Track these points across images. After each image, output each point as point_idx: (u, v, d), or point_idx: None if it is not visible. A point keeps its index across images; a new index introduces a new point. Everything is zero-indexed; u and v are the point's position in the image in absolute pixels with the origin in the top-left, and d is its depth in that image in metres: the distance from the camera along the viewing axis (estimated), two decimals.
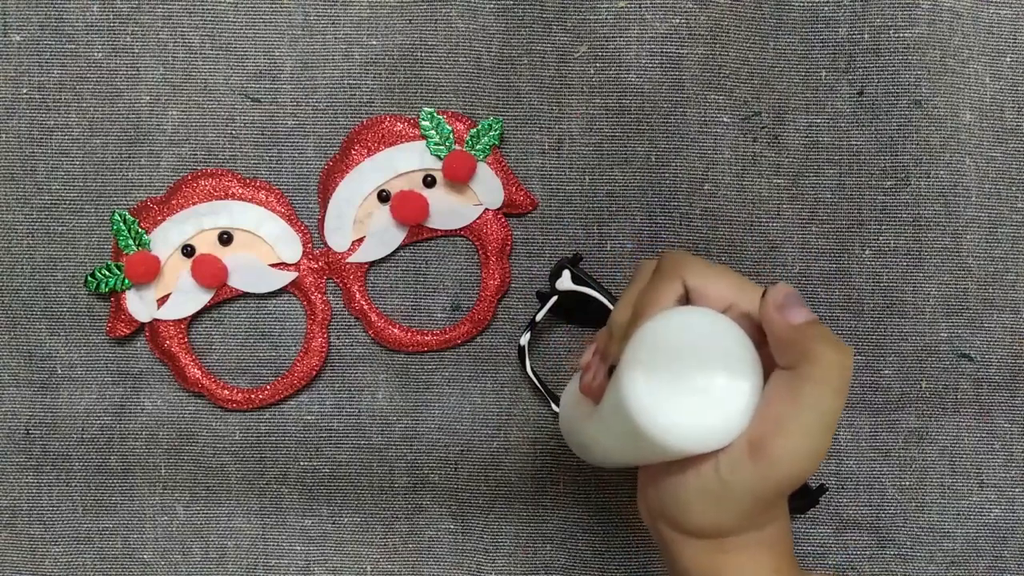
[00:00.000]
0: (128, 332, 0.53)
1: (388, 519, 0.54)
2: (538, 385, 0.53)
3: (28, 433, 0.54)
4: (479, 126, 0.53)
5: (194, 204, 0.53)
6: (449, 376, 0.54)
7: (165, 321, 0.53)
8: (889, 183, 0.53)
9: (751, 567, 0.37)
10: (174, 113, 0.53)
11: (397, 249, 0.54)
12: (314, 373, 0.54)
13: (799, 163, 0.53)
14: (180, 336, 0.54)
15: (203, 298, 0.53)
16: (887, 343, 0.53)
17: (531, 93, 0.53)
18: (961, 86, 0.52)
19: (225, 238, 0.53)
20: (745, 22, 0.52)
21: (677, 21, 0.52)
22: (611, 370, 0.38)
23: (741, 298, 0.37)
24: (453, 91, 0.53)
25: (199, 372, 0.54)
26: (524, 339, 0.53)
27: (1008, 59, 0.53)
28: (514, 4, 0.52)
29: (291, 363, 0.54)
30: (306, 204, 0.54)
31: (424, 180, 0.53)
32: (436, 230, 0.54)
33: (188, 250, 0.53)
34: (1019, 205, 0.53)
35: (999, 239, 0.53)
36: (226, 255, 0.53)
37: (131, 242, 0.53)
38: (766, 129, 0.53)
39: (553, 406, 0.53)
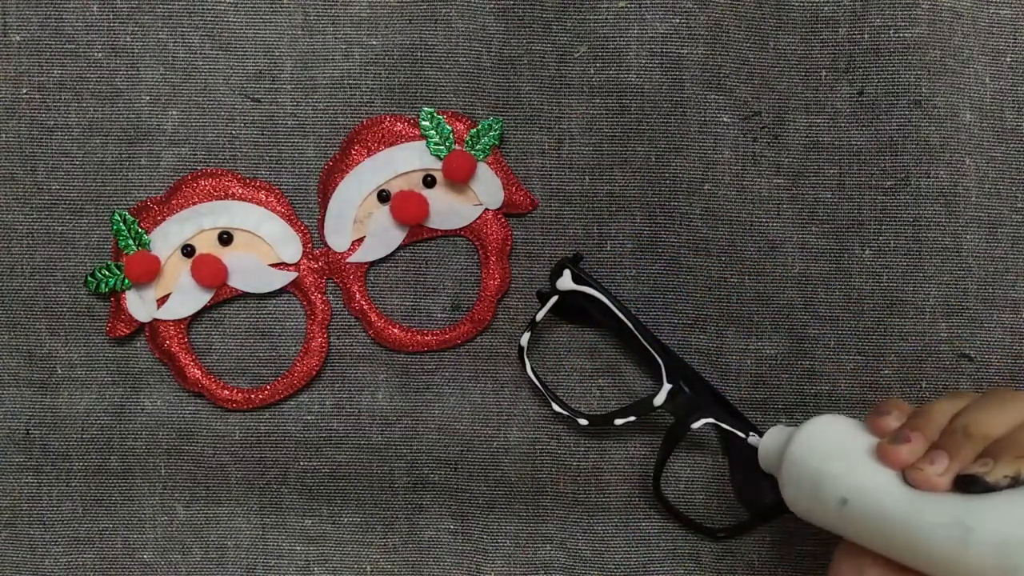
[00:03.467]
0: (128, 332, 0.53)
1: (388, 519, 0.54)
2: (538, 385, 0.53)
3: (28, 433, 0.54)
4: (479, 126, 0.53)
5: (194, 204, 0.53)
6: (449, 376, 0.54)
7: (165, 321, 0.53)
8: (889, 183, 0.52)
9: None
10: (174, 113, 0.53)
11: (397, 249, 0.54)
12: (314, 373, 0.54)
13: (799, 163, 0.53)
14: (180, 336, 0.53)
15: (203, 298, 0.53)
16: (887, 343, 0.53)
17: (531, 93, 0.53)
18: (961, 86, 0.52)
19: (225, 238, 0.53)
20: (745, 22, 0.52)
21: (677, 21, 0.52)
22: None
23: None
24: (453, 91, 0.53)
25: (199, 372, 0.54)
26: (524, 339, 0.53)
27: (1008, 59, 0.52)
28: (514, 4, 0.52)
29: (291, 363, 0.54)
30: (306, 204, 0.54)
31: (424, 180, 0.53)
32: (436, 230, 0.54)
33: (188, 250, 0.53)
34: (1019, 205, 0.53)
35: (999, 239, 0.53)
36: (226, 255, 0.53)
37: (131, 242, 0.53)
38: (766, 129, 0.53)
39: (554, 406, 0.53)
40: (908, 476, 0.39)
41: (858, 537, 0.41)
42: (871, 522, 0.40)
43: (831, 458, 0.42)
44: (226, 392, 0.54)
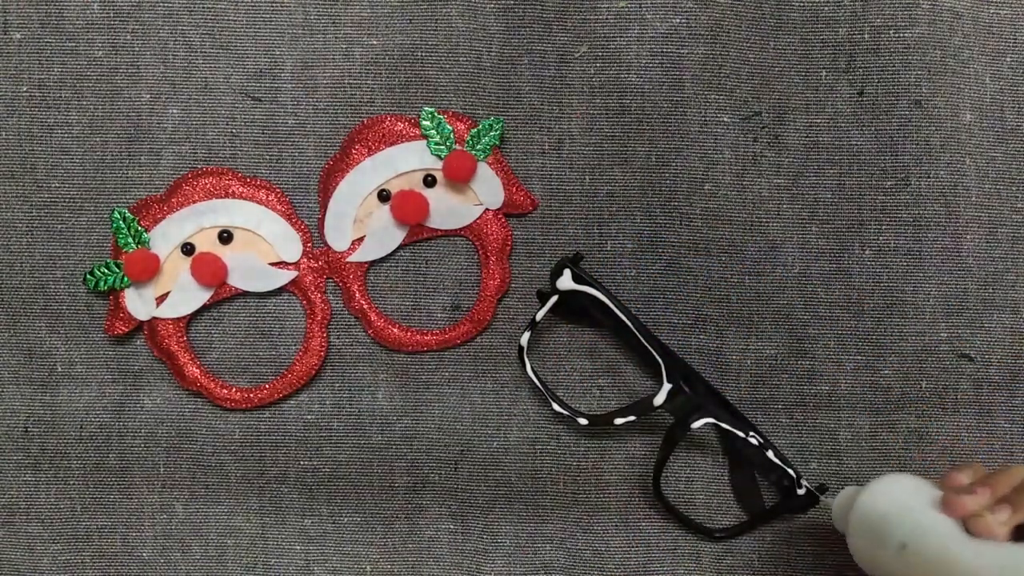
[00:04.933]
0: (126, 330, 0.53)
1: (388, 519, 0.54)
2: (538, 385, 0.53)
3: (27, 431, 0.54)
4: (480, 126, 0.53)
5: (194, 202, 0.53)
6: (449, 376, 0.54)
7: (164, 319, 0.53)
8: (889, 183, 0.53)
9: None
10: (174, 111, 0.53)
11: (397, 249, 0.54)
12: (313, 372, 0.54)
13: (799, 163, 0.53)
14: (179, 335, 0.53)
15: (202, 296, 0.53)
16: (887, 343, 0.53)
17: (531, 93, 0.53)
18: (961, 86, 0.52)
19: (225, 236, 0.53)
20: (745, 22, 0.52)
21: (677, 21, 0.52)
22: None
23: None
24: (453, 91, 0.53)
25: (197, 371, 0.53)
26: (524, 339, 0.52)
27: (1008, 59, 0.53)
28: (514, 4, 0.53)
29: (291, 362, 0.54)
30: (306, 203, 0.54)
31: (424, 180, 0.53)
32: (436, 230, 0.54)
33: (188, 248, 0.53)
34: (1019, 205, 0.53)
35: (999, 239, 0.53)
36: (226, 254, 0.53)
37: (131, 240, 0.53)
38: (766, 129, 0.53)
39: (554, 405, 0.53)
40: (970, 524, 0.40)
41: None
42: (926, 567, 0.41)
43: (895, 507, 0.43)
44: (225, 391, 0.54)
